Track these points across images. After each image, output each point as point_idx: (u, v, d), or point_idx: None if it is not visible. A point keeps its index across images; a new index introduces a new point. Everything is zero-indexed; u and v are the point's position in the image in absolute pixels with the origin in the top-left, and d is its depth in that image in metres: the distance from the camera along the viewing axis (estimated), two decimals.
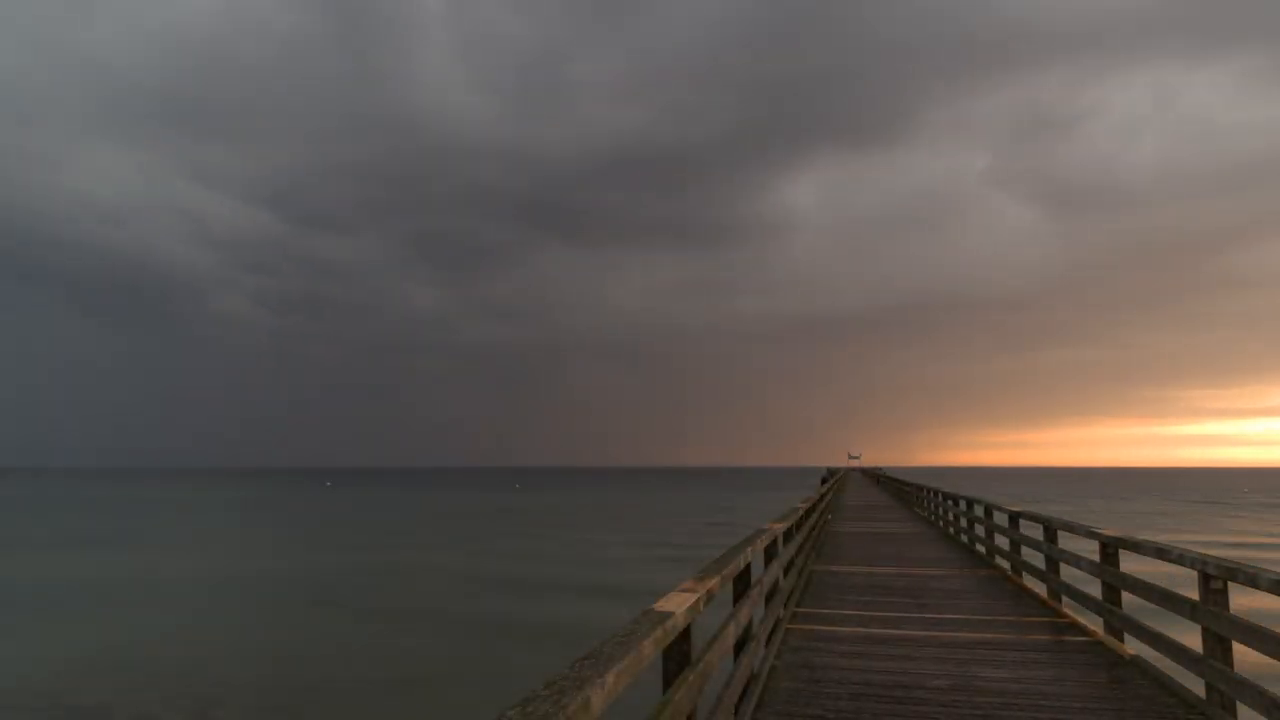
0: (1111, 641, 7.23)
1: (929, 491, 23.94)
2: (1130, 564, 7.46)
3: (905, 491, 33.65)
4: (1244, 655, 5.16)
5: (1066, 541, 9.80)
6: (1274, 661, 4.59)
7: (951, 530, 18.76)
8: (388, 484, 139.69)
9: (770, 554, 7.11)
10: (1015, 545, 11.34)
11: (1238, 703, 4.95)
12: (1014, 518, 11.53)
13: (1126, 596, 7.62)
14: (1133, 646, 7.03)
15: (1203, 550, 5.76)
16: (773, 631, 7.20)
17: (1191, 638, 5.58)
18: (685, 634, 3.43)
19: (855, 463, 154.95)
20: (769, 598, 6.82)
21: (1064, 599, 9.22)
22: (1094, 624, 8.18)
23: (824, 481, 36.71)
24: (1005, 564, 12.32)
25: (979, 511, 14.96)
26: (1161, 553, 6.06)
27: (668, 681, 3.38)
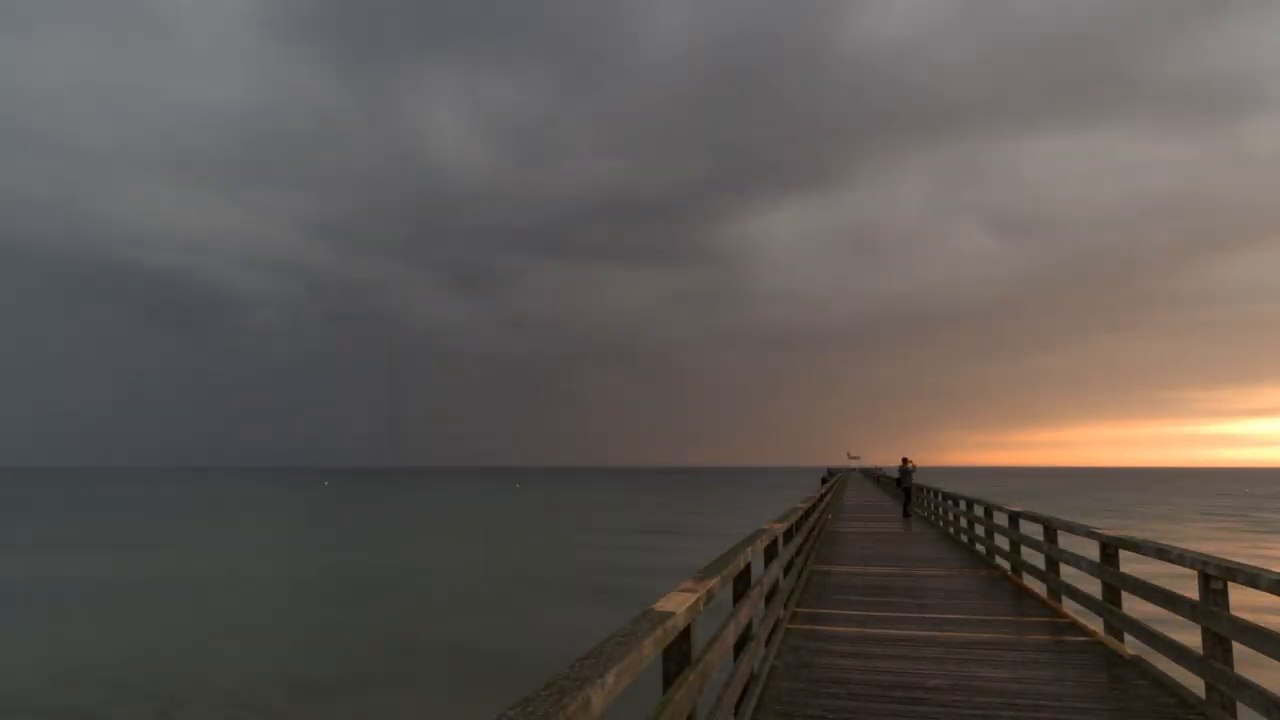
0: (1111, 641, 7.23)
1: (928, 491, 23.94)
2: (1130, 564, 7.47)
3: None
4: (1244, 655, 5.16)
5: (1066, 541, 9.80)
6: (1274, 661, 4.59)
7: (951, 530, 18.77)
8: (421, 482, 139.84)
9: (770, 554, 7.11)
10: (1015, 545, 11.34)
11: (1238, 703, 4.95)
12: (1014, 518, 11.53)
13: (1127, 596, 7.62)
14: (1133, 646, 7.03)
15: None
16: (773, 632, 7.20)
17: (1191, 638, 5.58)
18: (685, 634, 3.42)
19: (855, 463, 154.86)
20: (769, 598, 6.81)
21: (1064, 599, 9.22)
22: (1094, 624, 8.17)
23: (824, 481, 36.67)
24: (1005, 564, 12.32)
25: (979, 511, 14.96)
26: (1161, 553, 6.06)
27: (668, 681, 3.38)
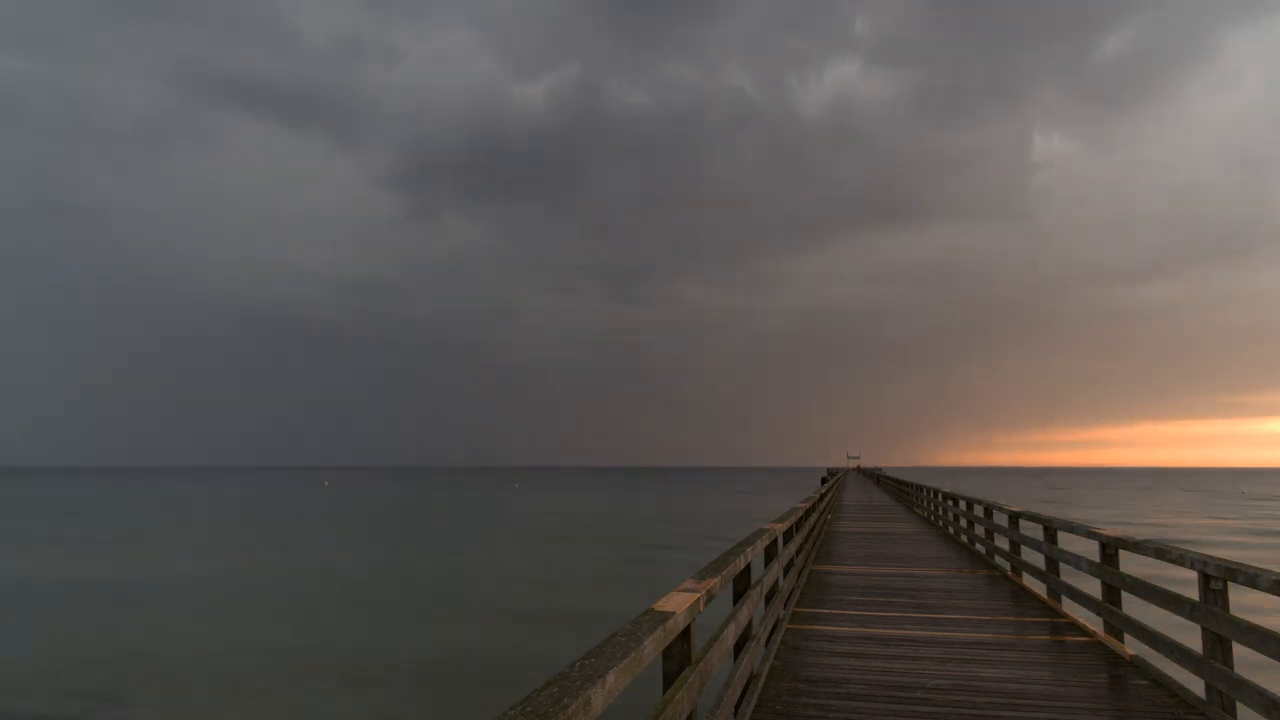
0: (1111, 641, 7.23)
1: (928, 491, 23.94)
2: (1131, 564, 7.46)
3: (904, 491, 33.65)
4: (1245, 656, 5.16)
5: (1066, 541, 9.80)
6: (1274, 661, 4.59)
7: (951, 530, 18.76)
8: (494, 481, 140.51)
9: (770, 554, 7.11)
10: (1015, 545, 11.34)
11: (1238, 703, 4.94)
12: (1014, 518, 11.53)
13: (1126, 597, 7.62)
14: (1133, 647, 7.03)
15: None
16: (772, 631, 7.20)
17: (1191, 638, 5.58)
18: (685, 634, 3.42)
19: (855, 463, 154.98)
20: (769, 598, 6.81)
21: (1064, 599, 9.22)
22: (1094, 624, 8.17)
23: (824, 481, 36.64)
24: (1005, 564, 12.32)
25: (979, 511, 14.96)
26: (1161, 553, 6.06)
27: (668, 681, 3.38)
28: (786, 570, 8.80)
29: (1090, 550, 8.24)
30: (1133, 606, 7.86)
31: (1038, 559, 14.08)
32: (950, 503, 18.97)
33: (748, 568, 5.51)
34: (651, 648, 2.60)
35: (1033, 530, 10.46)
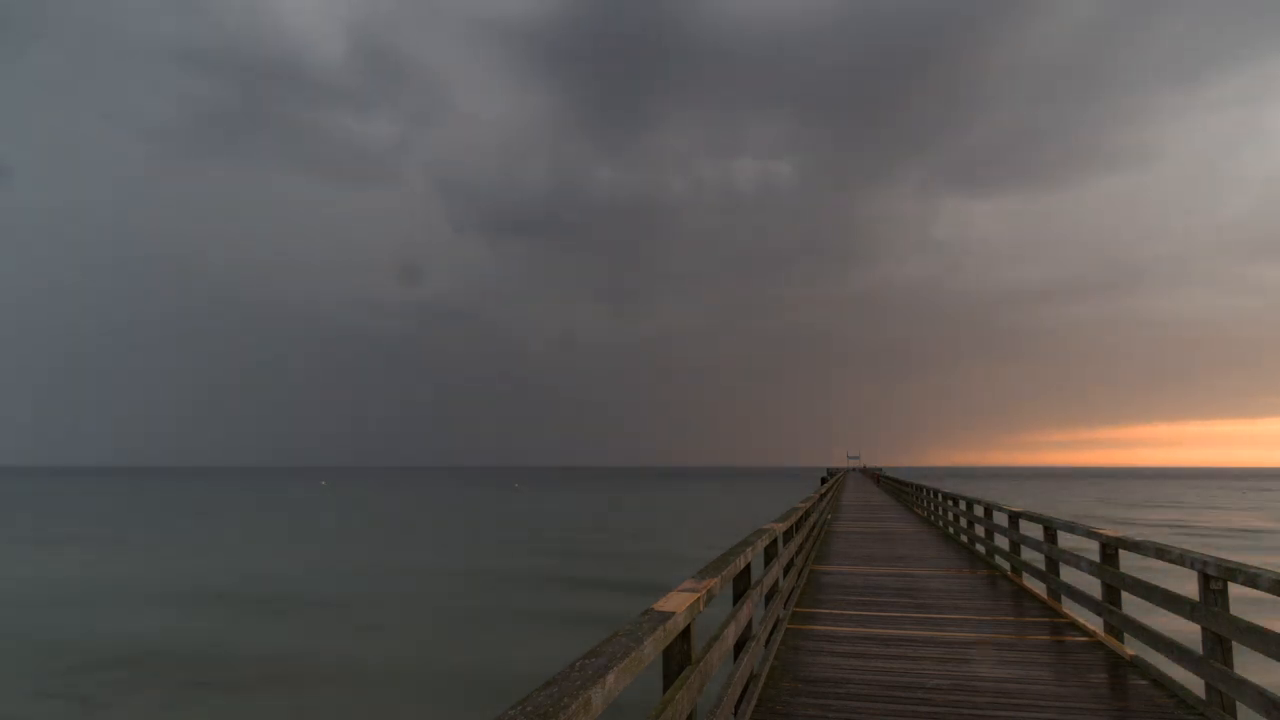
0: (1111, 641, 7.23)
1: (928, 491, 23.93)
2: (1131, 564, 7.46)
3: (904, 491, 33.63)
4: (1245, 656, 5.16)
5: (1066, 541, 9.79)
6: (1274, 662, 4.59)
7: (951, 530, 18.76)
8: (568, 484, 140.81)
9: (770, 554, 7.10)
10: (1015, 545, 11.33)
11: (1238, 703, 4.94)
12: (1014, 518, 11.52)
13: (1126, 596, 7.62)
14: (1133, 647, 7.03)
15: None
16: (772, 631, 7.19)
17: (1191, 638, 5.58)
18: (685, 634, 3.42)
19: (855, 463, 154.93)
20: (769, 598, 6.81)
21: (1064, 599, 9.22)
22: (1094, 624, 8.17)
23: (824, 481, 36.60)
24: (1005, 564, 12.31)
25: (979, 511, 14.95)
26: (1161, 553, 6.06)
27: (668, 681, 3.37)
28: (786, 570, 8.79)
29: (1090, 550, 8.23)
30: (1133, 606, 7.86)
31: (1038, 559, 14.07)
32: (950, 503, 18.96)
33: (748, 568, 5.51)
34: (651, 648, 2.60)
35: (1033, 530, 10.46)
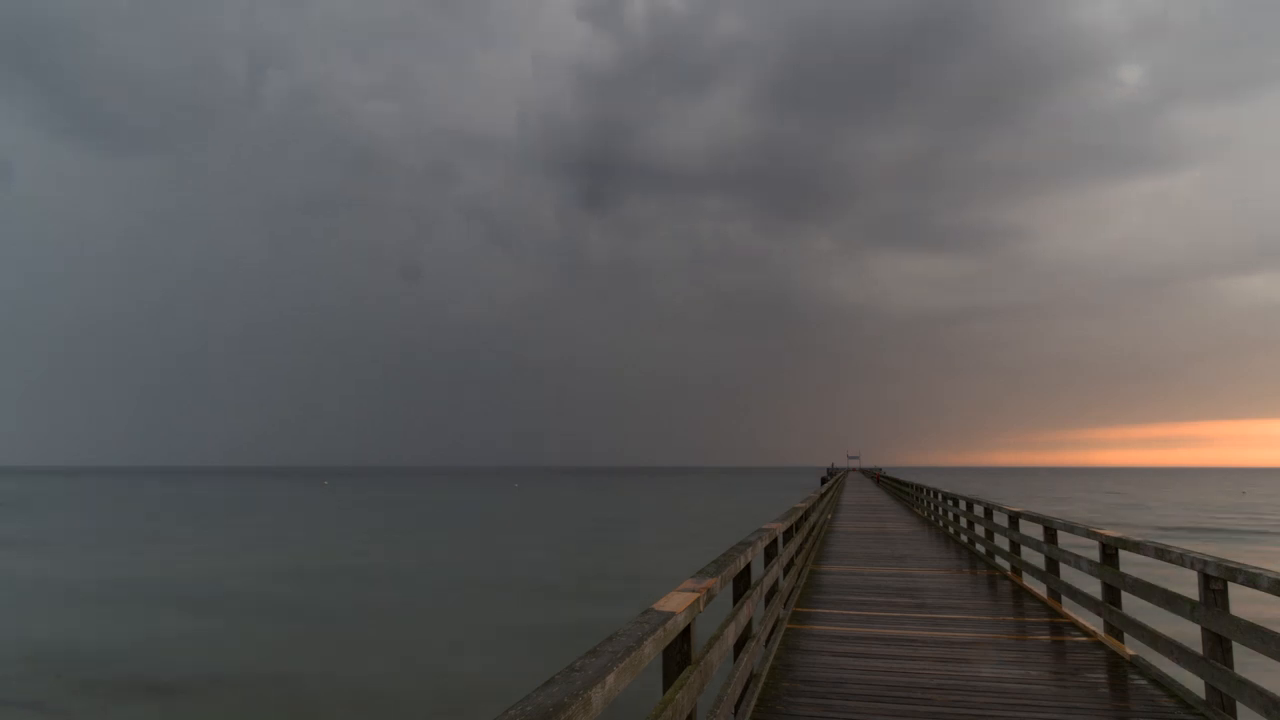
0: (1111, 641, 7.22)
1: (928, 491, 23.93)
2: (1131, 564, 7.46)
3: (904, 491, 33.63)
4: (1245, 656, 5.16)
5: (1067, 541, 9.79)
6: (1274, 662, 4.59)
7: (951, 530, 18.76)
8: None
9: (770, 554, 7.10)
10: (1015, 545, 11.33)
11: (1238, 703, 4.94)
12: (1014, 518, 11.52)
13: (1126, 596, 7.61)
14: (1133, 647, 7.02)
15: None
16: (772, 631, 7.19)
17: (1191, 638, 5.58)
18: (685, 634, 3.42)
19: (855, 463, 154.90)
20: (769, 597, 6.81)
21: (1064, 599, 9.22)
22: (1094, 624, 8.17)
23: (823, 481, 36.63)
24: (1005, 564, 12.31)
25: (979, 512, 14.95)
26: (1161, 553, 6.06)
27: (668, 681, 3.37)
28: (786, 570, 8.79)
29: (1090, 550, 8.23)
30: (1133, 606, 7.85)
31: (1038, 559, 14.07)
32: (950, 503, 18.96)
33: (748, 567, 5.50)
34: (651, 647, 2.59)
35: (1033, 530, 10.46)
